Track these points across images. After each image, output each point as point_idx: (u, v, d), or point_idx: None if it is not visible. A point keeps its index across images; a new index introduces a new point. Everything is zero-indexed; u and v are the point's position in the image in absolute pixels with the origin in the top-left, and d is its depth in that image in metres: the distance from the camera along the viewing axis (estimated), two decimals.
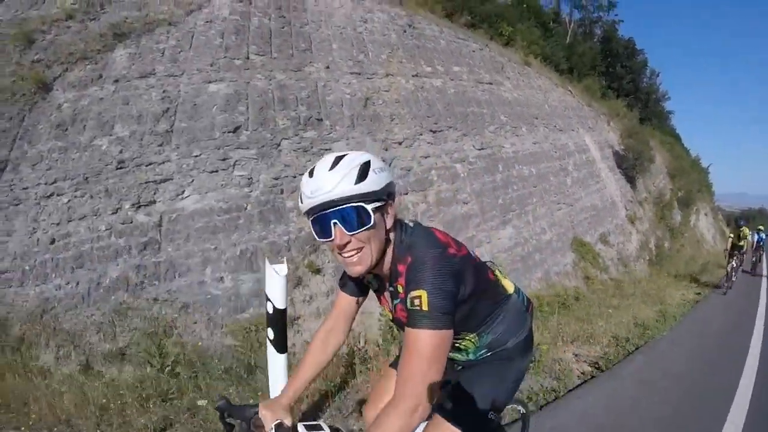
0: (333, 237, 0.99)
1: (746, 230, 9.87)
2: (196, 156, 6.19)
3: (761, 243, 11.56)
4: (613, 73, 23.42)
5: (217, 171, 6.23)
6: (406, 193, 7.53)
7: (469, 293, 1.08)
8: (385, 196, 1.02)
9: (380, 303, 1.25)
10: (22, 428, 2.37)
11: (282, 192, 6.32)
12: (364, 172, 0.98)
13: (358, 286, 1.29)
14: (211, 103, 6.55)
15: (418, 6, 10.45)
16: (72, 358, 4.59)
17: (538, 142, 10.05)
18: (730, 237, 9.88)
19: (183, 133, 6.26)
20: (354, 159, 1.00)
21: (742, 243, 9.57)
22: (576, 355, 4.50)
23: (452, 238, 1.12)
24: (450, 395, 1.27)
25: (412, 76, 8.62)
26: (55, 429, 2.43)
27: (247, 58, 7.22)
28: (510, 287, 1.33)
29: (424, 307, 0.94)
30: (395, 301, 1.13)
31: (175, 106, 6.40)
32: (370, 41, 8.60)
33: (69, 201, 5.49)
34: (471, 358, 1.29)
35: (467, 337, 1.23)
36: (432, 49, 9.37)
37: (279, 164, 6.53)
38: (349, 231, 0.98)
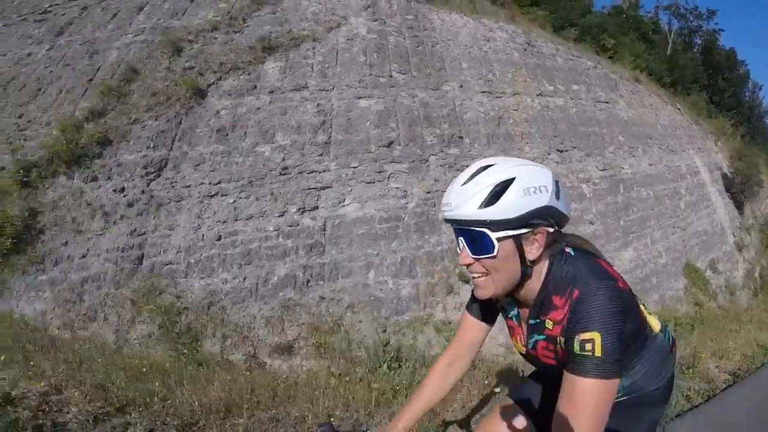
0: (460, 251, 0.94)
1: None
2: (354, 167, 6.92)
3: None
4: (714, 86, 22.19)
5: (374, 182, 6.93)
6: None
7: (632, 334, 0.95)
8: (525, 225, 0.88)
9: (511, 334, 1.10)
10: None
11: (434, 205, 6.93)
12: (497, 194, 0.87)
13: (489, 311, 1.15)
14: (364, 118, 7.26)
15: (529, 21, 10.70)
16: (239, 349, 5.20)
17: (653, 164, 10.06)
18: None
19: (340, 145, 7.01)
20: (494, 175, 0.88)
21: None
22: (717, 366, 4.66)
23: (616, 271, 0.98)
24: None
25: (537, 95, 8.95)
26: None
27: (390, 76, 7.88)
28: (656, 326, 1.14)
29: (597, 353, 0.83)
30: (537, 337, 0.99)
31: (330, 119, 7.17)
32: (495, 60, 9.01)
33: (234, 201, 6.30)
34: None
35: None
36: (551, 68, 9.64)
37: (429, 178, 7.15)
38: (473, 254, 0.91)
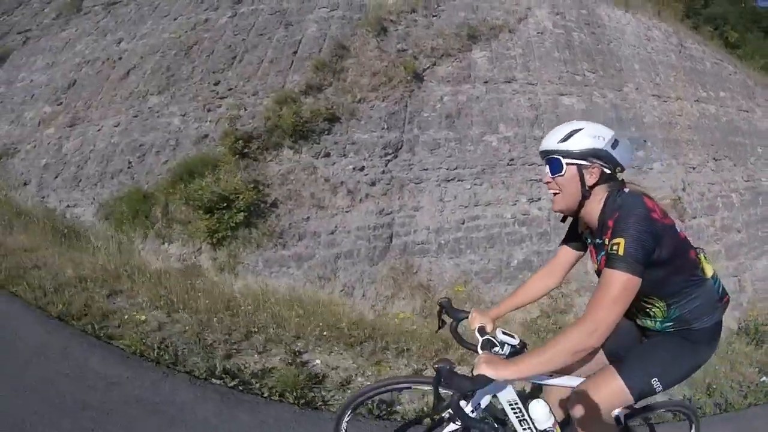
0: (544, 176, 1.39)
1: None
2: None
3: None
4: None
5: None
6: (695, 217, 8.26)
7: (665, 258, 1.23)
8: (584, 158, 1.30)
9: (590, 257, 1.46)
10: None
11: None
12: (569, 135, 1.31)
13: (577, 242, 1.54)
14: (568, 115, 7.38)
15: (673, 18, 10.79)
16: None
17: None
18: None
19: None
20: (571, 125, 1.34)
21: None
22: None
23: (660, 207, 1.30)
24: (628, 355, 1.43)
25: (695, 101, 9.21)
26: None
27: (584, 74, 7.98)
28: (709, 272, 1.42)
29: (620, 252, 1.14)
30: (601, 254, 1.32)
31: (540, 113, 7.28)
32: (659, 62, 9.19)
33: (471, 188, 6.49)
34: (657, 328, 1.42)
35: (657, 304, 1.36)
36: (702, 72, 9.88)
37: (627, 177, 7.37)
38: (552, 173, 1.34)
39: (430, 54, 7.15)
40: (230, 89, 6.40)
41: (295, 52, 6.77)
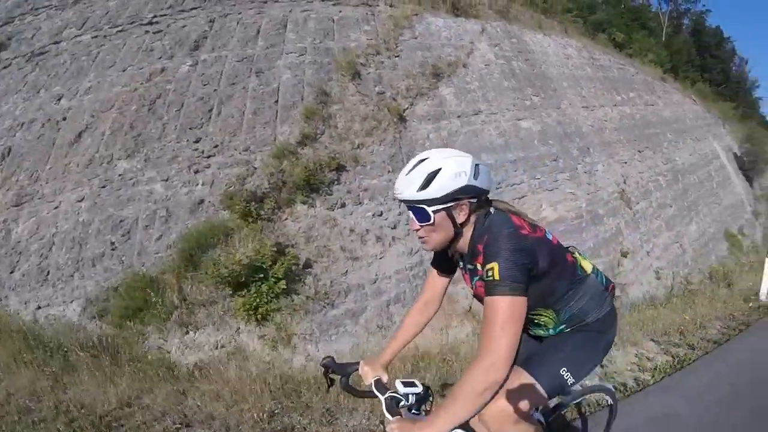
0: (410, 223, 1.33)
1: None
2: (538, 179, 8.00)
3: None
4: (704, 64, 24.04)
5: (552, 190, 8.10)
6: (638, 203, 9.87)
7: (543, 270, 1.25)
8: (451, 200, 1.24)
9: (465, 281, 1.44)
10: None
11: (601, 200, 8.39)
12: (429, 180, 1.23)
13: (447, 265, 1.51)
14: (530, 137, 8.40)
15: (578, 34, 12.76)
16: None
17: (691, 154, 13.02)
18: None
19: (523, 162, 8.04)
20: (428, 166, 1.24)
21: None
22: None
23: (528, 222, 1.31)
24: (531, 356, 1.43)
25: (613, 105, 11.02)
26: None
27: (531, 99, 9.11)
28: (588, 267, 1.46)
29: (496, 277, 1.13)
30: (475, 279, 1.34)
31: (507, 139, 8.15)
32: (580, 77, 10.87)
33: None
34: (552, 333, 1.45)
35: (544, 313, 1.39)
36: (613, 79, 11.87)
37: (584, 183, 8.58)
38: (419, 221, 1.27)
39: (405, 94, 7.58)
40: (216, 146, 6.05)
41: (276, 101, 6.65)
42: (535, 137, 8.58)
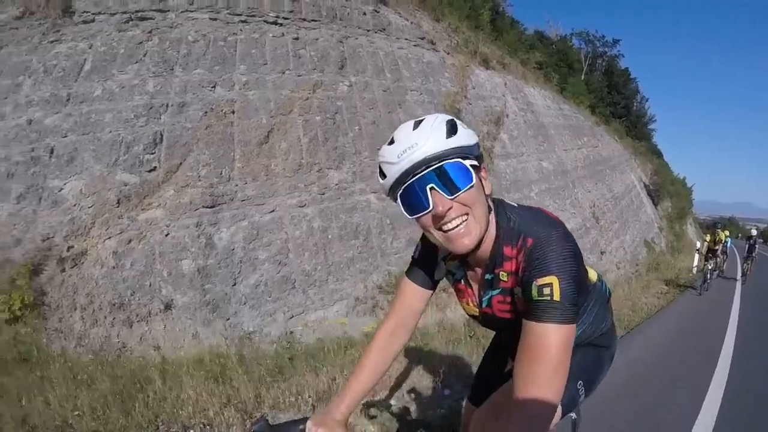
0: (431, 206, 0.94)
1: (722, 234, 11.57)
2: (557, 203, 11.87)
3: (726, 248, 12.32)
4: (611, 99, 30.11)
5: (564, 210, 12.04)
6: (600, 220, 14.69)
7: (581, 280, 1.07)
8: (478, 156, 0.99)
9: (460, 298, 1.21)
10: None
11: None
12: (453, 126, 0.96)
13: (431, 276, 1.23)
14: (548, 173, 12.29)
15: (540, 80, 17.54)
16: None
17: (620, 184, 18.81)
18: (706, 241, 11.75)
19: (546, 191, 11.83)
20: (437, 117, 0.98)
21: (717, 247, 11.23)
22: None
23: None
24: None
25: (578, 148, 15.92)
26: None
27: (542, 144, 13.05)
28: (594, 275, 1.37)
29: (556, 297, 0.90)
30: (492, 293, 1.10)
31: (539, 175, 11.83)
32: (557, 125, 15.46)
33: None
34: None
35: None
36: (574, 126, 16.89)
37: (576, 204, 12.79)
38: (450, 194, 0.94)
39: (486, 137, 10.57)
40: None
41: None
42: (551, 173, 12.48)
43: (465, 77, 11.30)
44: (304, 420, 1.13)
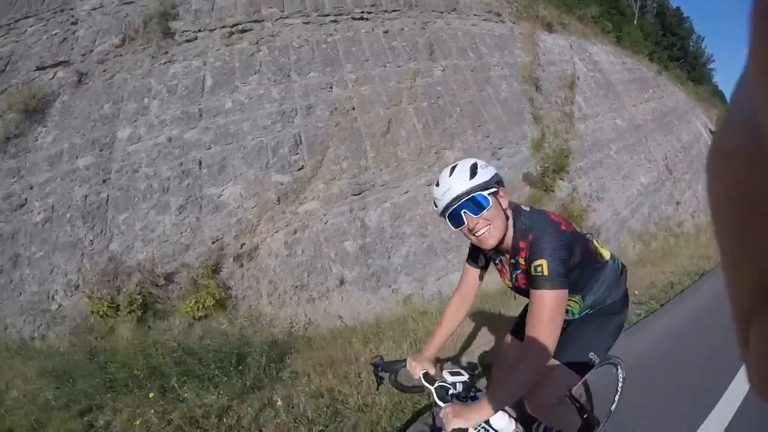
0: (465, 223, 1.53)
1: None
2: (633, 158, 12.19)
3: None
4: (666, 42, 29.20)
5: (641, 165, 12.36)
6: (672, 171, 14.86)
7: (576, 262, 1.58)
8: (494, 184, 1.54)
9: (501, 275, 1.80)
10: None
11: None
12: (473, 170, 1.54)
13: (481, 261, 1.87)
14: (623, 130, 12.58)
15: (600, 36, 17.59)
16: None
17: (689, 134, 18.70)
18: None
19: (624, 148, 12.12)
20: (464, 164, 1.56)
21: None
22: None
23: (563, 218, 1.66)
24: (561, 340, 1.56)
25: (646, 102, 16.00)
26: None
27: (619, 100, 13.30)
28: (607, 255, 1.84)
29: (545, 273, 1.43)
30: (516, 272, 1.65)
31: (615, 133, 12.16)
32: (624, 80, 15.57)
33: None
34: (576, 317, 1.88)
35: (573, 299, 1.77)
36: (639, 79, 16.91)
37: (651, 159, 13.06)
38: (476, 214, 1.51)
39: (565, 102, 11.02)
40: (489, 138, 8.70)
41: (508, 106, 9.52)
42: (625, 131, 12.79)
43: (534, 44, 11.71)
44: (404, 360, 1.82)
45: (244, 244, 6.71)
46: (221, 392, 3.53)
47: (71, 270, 6.41)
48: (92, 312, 6.04)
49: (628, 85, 15.44)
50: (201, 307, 5.96)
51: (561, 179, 9.18)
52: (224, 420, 3.28)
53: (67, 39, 8.25)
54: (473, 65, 9.79)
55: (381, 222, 7.05)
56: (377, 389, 2.03)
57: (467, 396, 1.65)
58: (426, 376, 1.74)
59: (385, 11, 9.77)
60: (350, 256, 6.70)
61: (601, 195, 10.31)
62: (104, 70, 7.97)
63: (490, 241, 1.57)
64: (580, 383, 2.14)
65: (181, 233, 6.63)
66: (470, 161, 1.59)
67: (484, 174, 1.55)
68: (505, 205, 1.59)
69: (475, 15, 11.19)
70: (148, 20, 8.36)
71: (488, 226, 1.55)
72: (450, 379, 1.67)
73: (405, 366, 1.82)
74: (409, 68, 8.86)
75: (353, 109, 7.88)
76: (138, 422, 3.34)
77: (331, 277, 6.55)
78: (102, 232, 6.67)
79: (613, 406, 2.48)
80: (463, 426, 1.44)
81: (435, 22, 10.17)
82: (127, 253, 6.51)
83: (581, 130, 10.98)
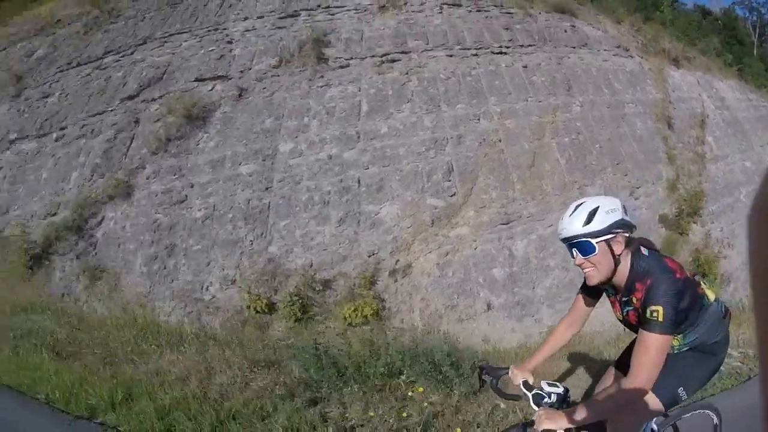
0: (575, 259, 1.77)
1: None
2: None
3: None
4: None
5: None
6: None
7: (685, 306, 1.73)
8: (609, 233, 1.71)
9: (612, 307, 1.96)
10: None
11: None
12: (590, 217, 1.71)
13: (594, 292, 2.03)
14: (751, 172, 12.08)
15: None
16: None
17: None
18: None
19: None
20: (587, 206, 1.74)
21: None
22: None
23: (677, 263, 1.82)
24: None
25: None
26: None
27: (743, 144, 12.83)
28: (712, 297, 1.96)
29: (660, 319, 1.61)
30: (627, 308, 1.84)
31: (745, 176, 11.74)
32: (750, 119, 14.84)
33: None
34: (675, 352, 1.96)
35: (675, 337, 1.88)
36: (764, 117, 16.10)
37: None
38: (583, 256, 1.74)
39: (696, 141, 10.89)
40: (628, 177, 8.88)
41: (642, 145, 9.65)
42: (753, 173, 12.26)
43: (663, 81, 11.68)
44: (507, 367, 2.05)
45: (398, 260, 7.44)
46: (453, 391, 3.77)
47: (228, 266, 7.34)
48: (248, 307, 6.85)
49: (754, 124, 14.75)
50: (359, 314, 6.64)
51: (695, 222, 9.15)
52: (459, 417, 3.52)
53: (224, 56, 9.51)
54: (608, 102, 10.02)
55: (527, 252, 7.52)
56: (478, 390, 2.38)
57: (560, 407, 1.81)
58: (525, 384, 1.97)
59: (521, 45, 10.28)
60: (497, 283, 7.23)
61: (732, 241, 10.06)
62: (263, 88, 9.12)
63: (593, 281, 1.80)
64: (669, 425, 2.30)
65: (340, 244, 7.47)
66: (594, 204, 1.74)
67: (601, 221, 1.71)
68: (618, 250, 1.74)
69: (605, 50, 11.40)
70: (302, 45, 9.44)
71: (593, 268, 1.75)
72: (547, 388, 1.87)
73: (507, 373, 2.05)
74: (549, 103, 9.29)
75: (500, 141, 8.44)
76: (372, 413, 3.59)
77: (479, 301, 7.10)
78: (262, 234, 7.63)
79: None
80: (552, 427, 1.63)
81: (569, 57, 10.53)
82: (285, 256, 7.42)
83: (712, 171, 10.79)
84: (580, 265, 1.78)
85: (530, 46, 10.36)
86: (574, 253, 1.76)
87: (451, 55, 9.77)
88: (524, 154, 8.40)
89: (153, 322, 6.07)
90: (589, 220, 1.71)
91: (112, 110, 9.04)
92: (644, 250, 1.81)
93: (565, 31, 11.17)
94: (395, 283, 7.35)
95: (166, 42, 10.00)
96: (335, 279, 7.28)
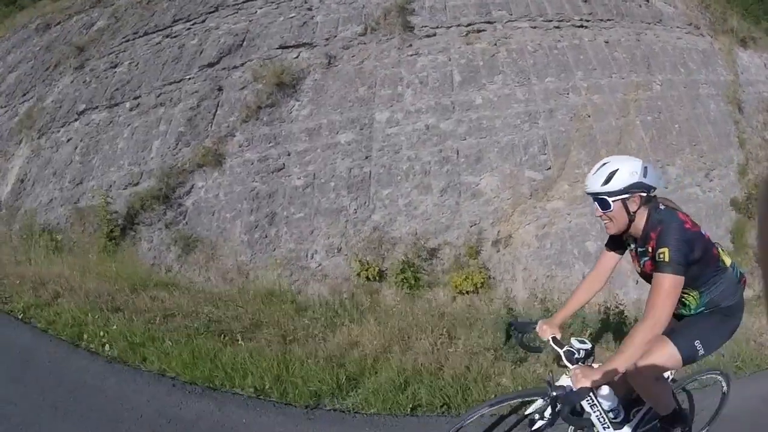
0: (596, 211, 2.09)
1: None
2: None
3: None
4: None
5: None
6: None
7: (696, 258, 1.96)
8: (625, 192, 1.98)
9: (632, 260, 2.23)
10: None
11: None
12: (610, 177, 1.98)
13: (618, 246, 2.28)
14: None
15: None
16: None
17: None
18: None
19: None
20: (609, 167, 2.02)
21: None
22: None
23: (691, 219, 2.09)
24: (673, 328, 2.12)
25: None
26: None
27: None
28: (728, 261, 2.17)
29: (666, 259, 1.85)
30: (644, 259, 2.09)
31: None
32: None
33: None
34: (692, 313, 2.17)
35: (691, 293, 2.09)
36: None
37: None
38: (602, 210, 2.04)
39: (764, 127, 11.22)
40: (704, 158, 9.32)
41: (715, 127, 10.04)
42: None
43: (733, 62, 11.90)
44: (535, 322, 2.27)
45: (499, 231, 7.90)
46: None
47: (333, 234, 7.63)
48: (358, 274, 7.18)
49: None
50: (470, 282, 7.08)
51: None
52: None
53: (307, 23, 9.47)
54: (684, 81, 10.32)
55: None
56: (504, 344, 2.68)
57: (585, 362, 2.02)
58: (554, 339, 2.17)
59: (601, 20, 10.40)
60: (591, 256, 7.75)
61: None
62: (352, 56, 9.18)
63: (610, 231, 2.13)
64: (680, 388, 2.56)
65: (442, 214, 7.86)
66: (615, 165, 2.04)
67: (619, 183, 1.99)
68: (633, 208, 2.03)
69: (677, 27, 11.55)
70: (387, 13, 9.46)
71: (608, 221, 2.07)
72: (577, 345, 2.05)
73: (535, 328, 2.28)
74: (631, 80, 9.57)
75: (589, 116, 8.77)
76: None
77: (574, 272, 7.65)
78: (365, 203, 7.94)
79: (715, 415, 2.69)
80: (587, 386, 1.81)
81: (645, 34, 10.69)
82: (390, 224, 7.79)
83: None
84: (600, 216, 2.09)
85: (609, 20, 10.47)
86: (595, 206, 2.07)
87: (534, 27, 9.88)
88: (612, 130, 8.76)
89: (286, 291, 6.30)
90: (607, 181, 1.99)
91: (190, 78, 8.96)
92: (662, 206, 2.09)
93: (640, 6, 11.25)
94: (498, 253, 7.82)
95: (239, 9, 9.83)
96: (440, 248, 7.66)
